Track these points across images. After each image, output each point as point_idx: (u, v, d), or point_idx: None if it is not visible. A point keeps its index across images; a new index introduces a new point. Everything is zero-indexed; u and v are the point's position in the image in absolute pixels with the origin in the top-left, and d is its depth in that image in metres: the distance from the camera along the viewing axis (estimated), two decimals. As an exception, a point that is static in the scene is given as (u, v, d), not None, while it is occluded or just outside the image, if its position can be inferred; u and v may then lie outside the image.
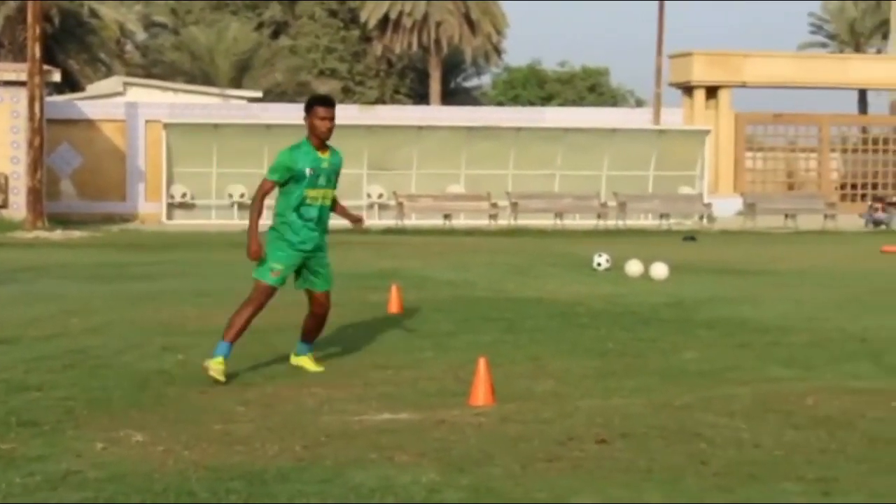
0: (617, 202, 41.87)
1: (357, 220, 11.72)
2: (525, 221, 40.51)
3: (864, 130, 55.34)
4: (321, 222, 10.93)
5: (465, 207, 41.76)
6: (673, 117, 49.31)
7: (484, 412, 8.92)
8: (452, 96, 76.12)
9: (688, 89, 49.93)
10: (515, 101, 75.51)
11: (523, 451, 7.75)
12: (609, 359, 11.50)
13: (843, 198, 50.55)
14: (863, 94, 73.34)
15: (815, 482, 7.04)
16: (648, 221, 42.72)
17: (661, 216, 42.15)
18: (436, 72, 71.08)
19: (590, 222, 41.35)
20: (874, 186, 50.95)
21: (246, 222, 11.14)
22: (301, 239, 10.87)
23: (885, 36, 74.40)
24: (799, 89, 52.80)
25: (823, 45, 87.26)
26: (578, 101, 74.97)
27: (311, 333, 11.30)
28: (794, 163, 53.14)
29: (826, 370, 10.96)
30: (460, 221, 40.75)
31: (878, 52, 79.00)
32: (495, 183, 42.57)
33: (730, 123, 49.42)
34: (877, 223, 42.11)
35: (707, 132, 46.16)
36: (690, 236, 35.25)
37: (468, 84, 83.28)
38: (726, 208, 45.11)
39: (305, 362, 11.14)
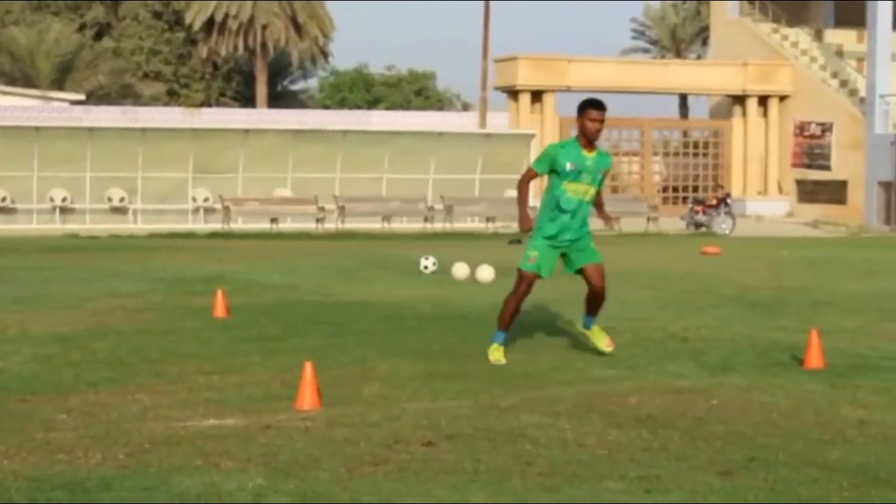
0: (444, 205, 42.07)
1: (608, 220, 12.57)
2: (352, 225, 40.47)
3: (684, 134, 56.44)
4: (579, 216, 11.67)
5: (292, 211, 41.57)
6: (499, 121, 49.71)
7: (310, 416, 8.89)
8: (279, 99, 75.72)
9: (513, 93, 50.39)
10: (342, 104, 75.40)
11: (350, 454, 7.74)
12: (436, 361, 11.55)
13: (665, 200, 51.50)
14: (683, 98, 74.77)
15: (638, 480, 7.15)
16: (475, 224, 42.97)
17: (488, 219, 42.45)
18: (262, 75, 70.65)
19: (417, 225, 41.47)
20: (695, 189, 51.97)
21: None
22: (557, 232, 11.68)
23: (705, 42, 76.01)
24: (622, 94, 53.62)
25: (645, 51, 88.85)
26: (405, 105, 75.13)
27: (592, 308, 12.00)
28: (617, 166, 53.95)
29: (649, 370, 11.14)
30: (287, 225, 40.56)
31: (699, 57, 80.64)
32: (322, 186, 42.43)
33: (555, 127, 49.97)
34: (697, 225, 42.92)
35: (532, 136, 46.61)
36: (516, 239, 35.49)
37: (295, 87, 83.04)
38: (551, 211, 45.59)
39: (595, 334, 12.00)
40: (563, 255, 11.85)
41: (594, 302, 11.95)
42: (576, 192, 11.56)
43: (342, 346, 12.48)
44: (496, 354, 11.55)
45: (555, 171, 11.54)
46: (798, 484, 7.10)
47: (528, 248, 11.85)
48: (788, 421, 8.84)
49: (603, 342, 11.92)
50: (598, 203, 11.97)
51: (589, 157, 11.57)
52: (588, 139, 11.58)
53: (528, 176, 11.74)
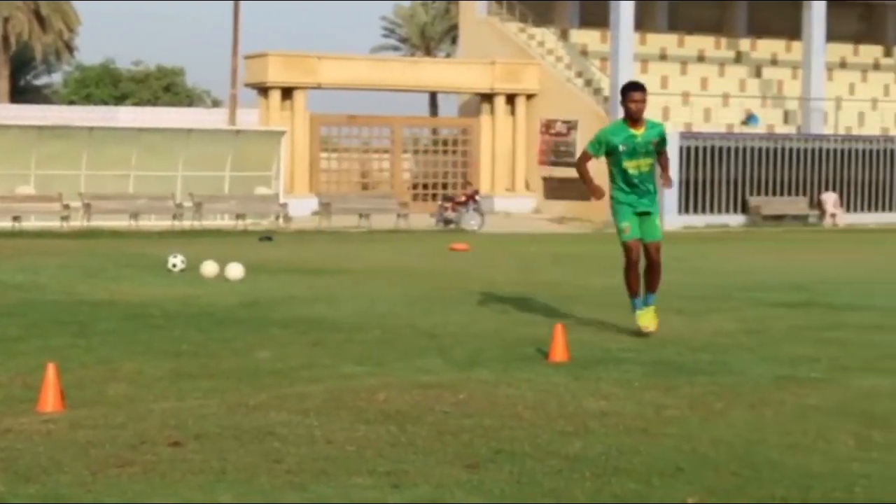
0: (193, 203, 41.64)
1: (667, 181, 13.49)
2: (99, 223, 39.73)
3: (434, 132, 56.95)
4: (645, 185, 13.10)
5: (36, 209, 40.59)
6: (249, 118, 49.37)
7: (53, 419, 8.69)
8: (22, 94, 73.86)
9: (263, 90, 50.09)
10: (88, 100, 73.84)
11: (94, 456, 7.59)
12: (183, 360, 11.42)
13: (415, 198, 51.84)
14: (433, 96, 75.52)
15: (386, 475, 7.18)
16: (225, 222, 42.63)
17: (238, 216, 42.17)
18: (3, 69, 68.85)
19: (165, 223, 40.94)
20: (444, 186, 52.48)
21: None
22: (631, 201, 13.09)
23: (455, 40, 76.90)
24: (373, 91, 53.78)
25: (396, 49, 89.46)
26: (153, 101, 74.02)
27: (650, 283, 13.29)
28: (367, 163, 54.13)
29: (397, 366, 11.21)
30: (30, 223, 39.59)
31: (448, 55, 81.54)
32: (67, 184, 41.49)
33: (305, 124, 49.87)
34: (447, 222, 43.40)
35: (283, 133, 46.41)
36: (267, 236, 35.39)
37: (39, 82, 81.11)
38: (302, 208, 45.55)
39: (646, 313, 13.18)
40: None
41: (651, 275, 13.24)
42: (636, 166, 12.96)
43: (87, 346, 12.23)
44: (644, 320, 13.03)
45: (611, 153, 12.94)
46: (542, 475, 7.23)
47: (618, 221, 13.21)
48: (533, 413, 8.99)
49: (646, 320, 13.06)
50: (662, 166, 13.21)
51: (638, 133, 12.93)
52: (633, 119, 12.93)
53: (585, 158, 13.26)
